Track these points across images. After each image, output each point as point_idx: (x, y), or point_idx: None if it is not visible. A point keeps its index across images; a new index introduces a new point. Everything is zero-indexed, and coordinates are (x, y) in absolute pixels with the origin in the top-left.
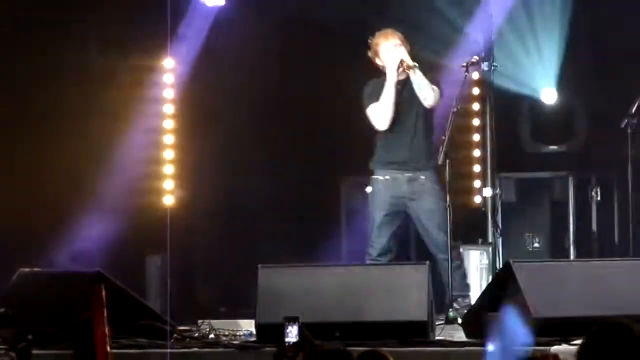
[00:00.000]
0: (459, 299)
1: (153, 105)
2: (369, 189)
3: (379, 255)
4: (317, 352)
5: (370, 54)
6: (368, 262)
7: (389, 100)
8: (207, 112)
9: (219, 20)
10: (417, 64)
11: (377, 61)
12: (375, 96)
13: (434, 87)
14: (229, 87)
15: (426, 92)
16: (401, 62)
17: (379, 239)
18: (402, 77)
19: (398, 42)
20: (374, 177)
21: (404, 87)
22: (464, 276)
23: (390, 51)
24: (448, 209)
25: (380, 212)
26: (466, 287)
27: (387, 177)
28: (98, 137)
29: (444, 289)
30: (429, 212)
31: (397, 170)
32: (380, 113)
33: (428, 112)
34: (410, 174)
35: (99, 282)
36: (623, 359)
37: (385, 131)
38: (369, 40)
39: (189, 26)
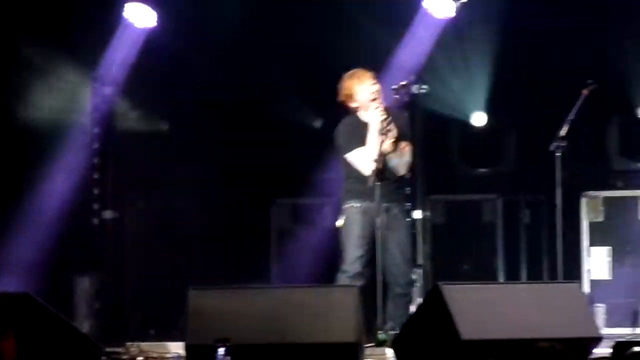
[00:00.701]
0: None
1: (82, 126)
2: (339, 223)
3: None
4: None
5: (341, 97)
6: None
7: (375, 146)
8: (138, 132)
9: (149, 41)
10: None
11: (352, 104)
12: (357, 141)
13: (404, 156)
14: (159, 107)
15: (399, 167)
16: (382, 122)
17: (352, 265)
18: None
19: (372, 80)
20: (348, 205)
21: None
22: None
23: (368, 92)
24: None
25: (355, 237)
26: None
27: (361, 205)
28: None
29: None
30: (402, 245)
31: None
32: (366, 159)
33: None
34: (385, 205)
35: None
36: None
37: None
38: (338, 85)
39: (118, 47)
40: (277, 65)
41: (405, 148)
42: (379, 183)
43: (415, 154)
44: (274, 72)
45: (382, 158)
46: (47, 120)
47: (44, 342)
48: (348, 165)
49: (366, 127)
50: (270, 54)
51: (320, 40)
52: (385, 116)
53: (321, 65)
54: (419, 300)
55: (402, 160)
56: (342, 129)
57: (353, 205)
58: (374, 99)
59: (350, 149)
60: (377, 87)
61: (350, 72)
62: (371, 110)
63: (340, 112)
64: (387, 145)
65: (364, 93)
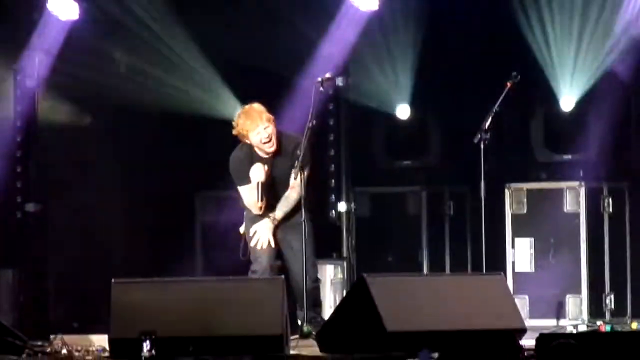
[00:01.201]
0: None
1: (5, 116)
2: (242, 229)
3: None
4: None
5: (235, 132)
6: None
7: (253, 197)
8: (61, 125)
9: (73, 34)
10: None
11: (245, 140)
12: (246, 175)
13: (290, 200)
14: (83, 99)
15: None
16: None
17: (259, 264)
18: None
19: (264, 124)
20: (249, 216)
21: (272, 167)
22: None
23: (259, 136)
24: (303, 223)
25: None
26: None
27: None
28: None
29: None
30: (300, 247)
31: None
32: (252, 198)
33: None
34: (286, 221)
35: None
36: None
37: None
38: (233, 121)
39: (41, 39)
40: (200, 57)
41: (294, 188)
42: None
43: (310, 176)
44: (197, 63)
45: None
46: None
47: None
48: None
49: (257, 158)
50: (193, 46)
51: (245, 32)
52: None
53: (245, 58)
54: (344, 292)
55: (288, 205)
56: (233, 162)
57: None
58: (265, 142)
59: (239, 183)
60: (268, 131)
61: (245, 109)
62: (262, 150)
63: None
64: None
65: (255, 136)
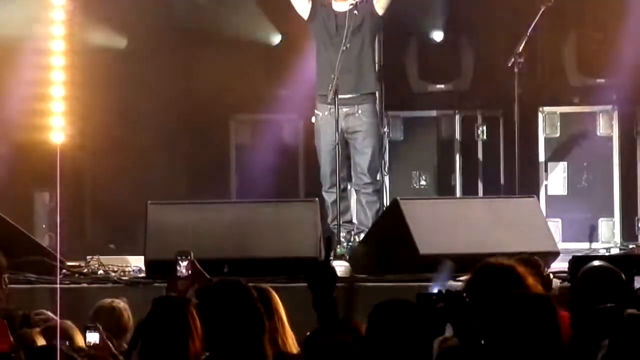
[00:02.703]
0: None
1: (42, 41)
2: (313, 119)
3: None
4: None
5: None
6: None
7: None
8: (99, 50)
9: None
10: None
11: None
12: None
13: None
14: (122, 26)
15: None
16: None
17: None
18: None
19: None
20: (316, 111)
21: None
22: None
23: None
24: (337, 146)
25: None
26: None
27: (326, 112)
28: None
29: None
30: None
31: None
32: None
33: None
34: (347, 109)
35: None
36: (505, 296)
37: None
38: None
39: None
40: None
41: None
42: None
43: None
44: None
45: None
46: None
47: (5, 255)
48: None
49: None
50: None
51: None
52: None
53: None
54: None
55: None
56: None
57: (318, 114)
58: None
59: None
60: None
61: None
62: None
63: (298, 29)
64: None
65: None
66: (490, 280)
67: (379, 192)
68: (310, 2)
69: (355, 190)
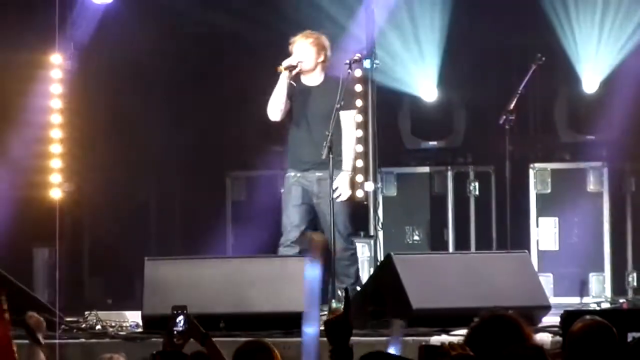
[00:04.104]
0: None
1: (41, 100)
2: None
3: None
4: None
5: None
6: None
7: (277, 91)
8: (97, 107)
9: (107, 17)
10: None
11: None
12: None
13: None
14: (118, 83)
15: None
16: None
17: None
18: (314, 83)
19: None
20: (287, 175)
21: (307, 94)
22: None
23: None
24: (331, 202)
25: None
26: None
27: (298, 174)
28: None
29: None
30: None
31: (307, 171)
32: (269, 103)
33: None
34: (320, 174)
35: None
36: (507, 347)
37: (294, 130)
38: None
39: (77, 22)
40: (230, 39)
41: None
42: None
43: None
44: (228, 45)
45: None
46: (3, 93)
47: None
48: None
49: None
50: (226, 29)
51: (271, 13)
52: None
53: (274, 40)
54: (371, 270)
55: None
56: None
57: (290, 175)
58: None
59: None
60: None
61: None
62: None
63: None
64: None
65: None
66: (495, 330)
67: (353, 255)
68: (288, 103)
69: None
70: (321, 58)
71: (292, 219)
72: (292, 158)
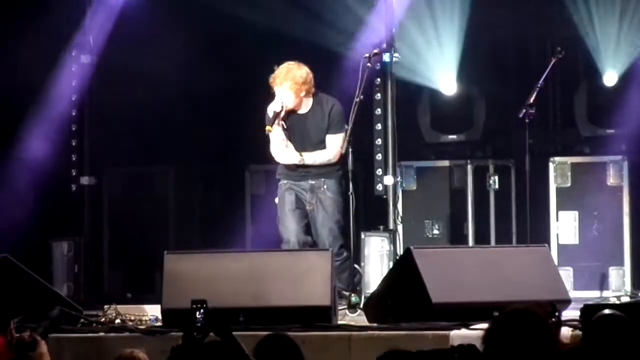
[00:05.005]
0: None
1: (62, 93)
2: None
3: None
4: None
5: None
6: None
7: (275, 144)
8: (116, 100)
9: (126, 10)
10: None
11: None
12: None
13: (327, 150)
14: (135, 75)
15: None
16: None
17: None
18: (304, 110)
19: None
20: (280, 182)
21: (298, 122)
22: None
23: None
24: (351, 196)
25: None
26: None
27: (291, 182)
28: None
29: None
30: (326, 220)
31: (300, 180)
32: (273, 153)
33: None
34: (313, 182)
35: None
36: (529, 342)
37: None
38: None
39: (95, 17)
40: (251, 34)
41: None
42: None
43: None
44: (249, 40)
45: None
46: (24, 88)
47: (23, 305)
48: None
49: None
50: (247, 21)
51: (291, 5)
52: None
53: (294, 32)
54: (390, 264)
55: (319, 159)
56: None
57: (283, 183)
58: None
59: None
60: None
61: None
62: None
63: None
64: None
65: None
66: (516, 324)
67: (344, 262)
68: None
69: None
70: (302, 93)
71: (287, 223)
72: (284, 169)
